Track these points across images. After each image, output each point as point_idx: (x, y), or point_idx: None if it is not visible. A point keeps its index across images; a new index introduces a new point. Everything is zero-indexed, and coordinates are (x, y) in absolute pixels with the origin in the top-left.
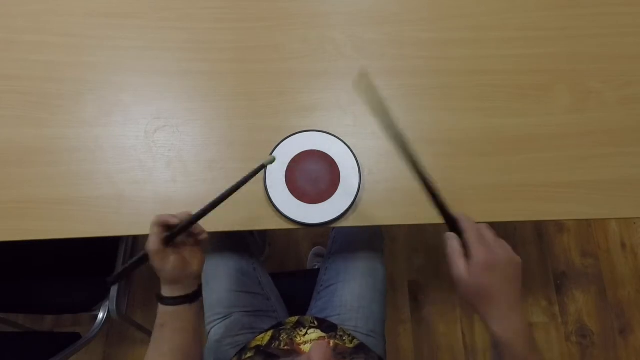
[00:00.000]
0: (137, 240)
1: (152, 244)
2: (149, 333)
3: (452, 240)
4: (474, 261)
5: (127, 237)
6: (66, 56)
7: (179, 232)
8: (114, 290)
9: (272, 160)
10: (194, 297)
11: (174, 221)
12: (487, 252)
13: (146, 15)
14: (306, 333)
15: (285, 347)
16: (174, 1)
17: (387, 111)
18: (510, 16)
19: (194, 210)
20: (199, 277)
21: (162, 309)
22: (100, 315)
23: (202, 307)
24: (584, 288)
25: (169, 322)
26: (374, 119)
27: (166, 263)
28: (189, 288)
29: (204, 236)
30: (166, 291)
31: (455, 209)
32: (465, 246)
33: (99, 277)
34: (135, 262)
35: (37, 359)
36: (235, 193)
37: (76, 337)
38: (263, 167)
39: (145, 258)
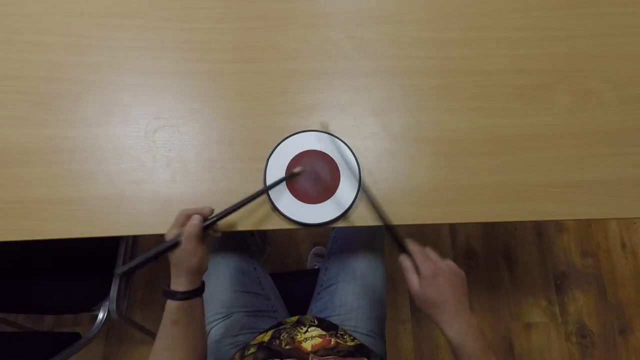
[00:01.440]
0: (137, 240)
1: (194, 228)
2: (149, 333)
3: (406, 261)
4: (422, 275)
5: (127, 237)
6: (66, 56)
7: (216, 221)
8: (114, 290)
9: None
10: (200, 291)
11: (206, 213)
12: (432, 267)
13: (146, 15)
14: (307, 331)
15: (287, 346)
16: (174, 1)
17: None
18: (510, 16)
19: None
20: (204, 272)
21: (174, 305)
22: (100, 315)
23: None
24: (584, 288)
25: (183, 318)
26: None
27: (198, 251)
28: (197, 283)
29: (218, 234)
30: (180, 285)
31: (456, 208)
32: (415, 265)
33: (99, 277)
34: (166, 247)
35: (37, 359)
36: (235, 193)
37: (76, 337)
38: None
39: (175, 245)
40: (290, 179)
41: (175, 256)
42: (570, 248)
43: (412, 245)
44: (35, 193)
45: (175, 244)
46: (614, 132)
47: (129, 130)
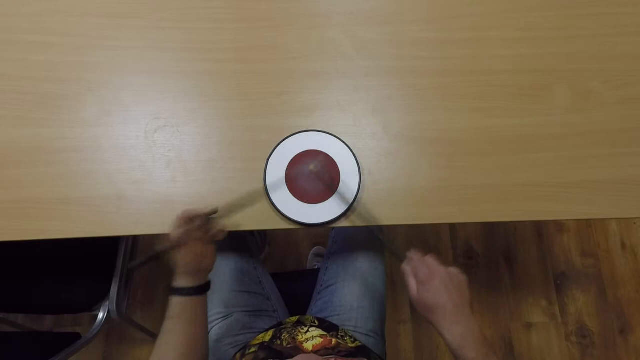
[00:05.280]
0: (137, 240)
1: (179, 234)
2: (149, 333)
3: (406, 267)
4: (419, 279)
5: (127, 237)
6: (66, 56)
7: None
8: (114, 290)
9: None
10: (204, 289)
11: (199, 220)
12: (428, 270)
13: (146, 15)
14: (307, 331)
15: (289, 346)
16: (174, 1)
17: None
18: (510, 16)
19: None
20: (210, 271)
21: (175, 300)
22: (100, 315)
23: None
24: (584, 288)
25: (182, 314)
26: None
27: (188, 254)
28: (203, 280)
29: (222, 235)
30: (181, 282)
31: (456, 208)
32: (415, 271)
33: (99, 277)
34: (159, 252)
35: (37, 359)
36: (235, 193)
37: (76, 337)
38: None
39: (166, 250)
40: None
41: (181, 257)
42: (570, 248)
43: (411, 253)
44: (35, 193)
45: (167, 249)
46: (614, 132)
47: (129, 130)
